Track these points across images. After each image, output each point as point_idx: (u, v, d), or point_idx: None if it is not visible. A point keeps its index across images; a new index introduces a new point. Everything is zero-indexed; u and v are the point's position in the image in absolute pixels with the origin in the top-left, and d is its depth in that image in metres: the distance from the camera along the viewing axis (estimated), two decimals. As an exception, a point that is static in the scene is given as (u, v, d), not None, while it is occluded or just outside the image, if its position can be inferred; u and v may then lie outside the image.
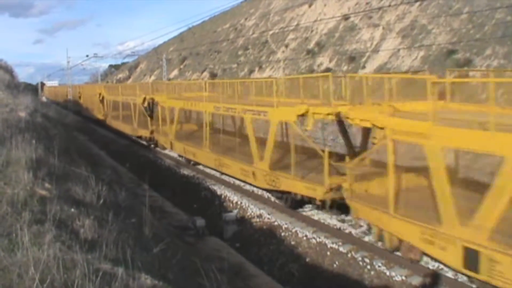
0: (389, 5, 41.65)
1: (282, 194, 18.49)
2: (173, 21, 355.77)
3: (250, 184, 21.03)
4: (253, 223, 18.32)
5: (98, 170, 17.64)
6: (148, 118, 34.84)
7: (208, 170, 26.06)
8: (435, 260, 12.66)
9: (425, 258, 13.29)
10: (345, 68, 40.35)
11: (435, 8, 36.21)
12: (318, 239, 15.54)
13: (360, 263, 13.75)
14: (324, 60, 44.36)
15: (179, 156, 29.87)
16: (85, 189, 9.00)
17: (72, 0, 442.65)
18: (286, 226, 16.98)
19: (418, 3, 37.92)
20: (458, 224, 10.76)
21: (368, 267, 13.48)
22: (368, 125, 14.07)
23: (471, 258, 10.32)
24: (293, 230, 16.57)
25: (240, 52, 64.25)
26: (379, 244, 14.12)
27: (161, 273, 6.27)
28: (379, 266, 13.29)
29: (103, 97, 48.56)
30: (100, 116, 50.04)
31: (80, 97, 65.41)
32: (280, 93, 19.72)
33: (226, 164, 22.18)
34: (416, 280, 12.44)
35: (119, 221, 8.01)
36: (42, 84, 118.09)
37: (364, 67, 38.28)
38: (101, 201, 8.85)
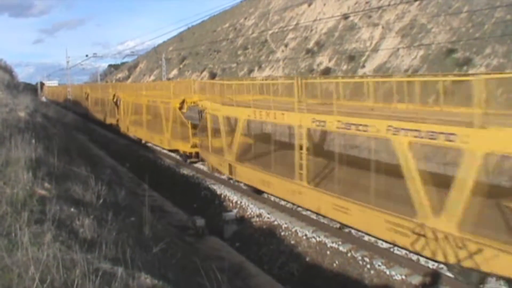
0: (389, 4, 41.64)
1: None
2: (173, 20, 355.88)
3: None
4: (252, 222, 18.32)
5: (98, 170, 17.63)
6: None
7: (206, 169, 26.06)
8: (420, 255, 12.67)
9: (423, 258, 13.30)
10: (344, 67, 40.35)
11: (434, 7, 36.20)
12: (318, 238, 15.54)
13: (360, 262, 13.76)
14: (323, 60, 44.34)
15: None
16: (84, 189, 9.00)
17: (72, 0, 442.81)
18: (285, 225, 16.98)
19: (417, 2, 37.92)
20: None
21: (368, 266, 13.49)
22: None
23: None
24: (293, 230, 16.57)
25: (239, 52, 64.24)
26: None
27: (161, 273, 6.27)
28: (379, 265, 13.29)
29: (200, 112, 26.23)
30: (187, 149, 28.76)
31: (116, 104, 44.55)
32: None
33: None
34: (416, 279, 12.45)
35: (119, 220, 8.02)
36: (42, 84, 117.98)
37: (363, 66, 38.27)
38: (101, 200, 8.86)
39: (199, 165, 27.30)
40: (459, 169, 11.28)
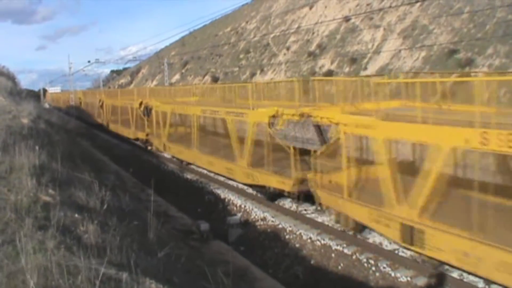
0: (390, 6, 41.62)
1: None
2: (175, 25, 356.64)
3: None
4: (257, 226, 18.31)
5: (102, 175, 17.65)
6: None
7: (211, 174, 26.08)
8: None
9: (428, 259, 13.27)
10: (347, 69, 40.33)
11: (436, 8, 36.17)
12: (322, 241, 15.52)
13: (365, 264, 13.73)
14: (325, 62, 44.34)
15: None
16: (88, 195, 9.00)
17: (75, 5, 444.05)
18: (290, 228, 16.97)
19: (418, 4, 37.88)
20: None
21: (373, 268, 13.46)
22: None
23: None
24: (298, 233, 16.55)
25: (241, 56, 64.27)
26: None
27: (166, 277, 6.26)
28: (384, 267, 13.26)
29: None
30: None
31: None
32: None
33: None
34: (421, 281, 12.41)
35: (123, 226, 8.02)
36: (45, 91, 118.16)
37: (365, 68, 38.25)
38: (105, 206, 8.84)
39: (201, 170, 27.28)
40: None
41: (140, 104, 37.50)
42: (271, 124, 19.02)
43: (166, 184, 25.52)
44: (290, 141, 18.24)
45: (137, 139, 40.12)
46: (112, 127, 48.54)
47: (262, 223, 18.35)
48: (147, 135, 36.81)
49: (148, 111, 36.08)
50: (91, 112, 60.02)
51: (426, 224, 11.98)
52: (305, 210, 18.88)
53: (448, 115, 12.70)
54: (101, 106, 52.92)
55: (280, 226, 17.44)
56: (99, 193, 9.23)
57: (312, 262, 15.01)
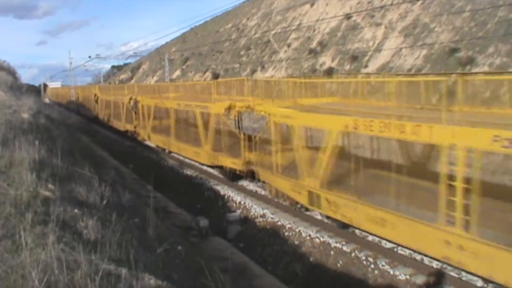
0: (391, 4, 41.57)
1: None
2: (176, 21, 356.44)
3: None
4: (256, 223, 18.30)
5: (101, 171, 17.63)
6: None
7: (211, 170, 26.03)
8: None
9: (427, 258, 13.26)
10: (347, 67, 40.30)
11: (437, 6, 36.13)
12: (321, 239, 15.52)
13: (364, 262, 13.73)
14: (326, 60, 44.31)
15: None
16: (88, 190, 8.99)
17: (77, 1, 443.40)
18: (289, 225, 16.96)
19: (420, 2, 37.85)
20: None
21: (372, 266, 13.46)
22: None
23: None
24: (297, 230, 16.55)
25: (242, 52, 64.21)
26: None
27: (165, 273, 6.27)
28: (382, 265, 13.26)
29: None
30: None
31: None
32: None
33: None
34: (420, 279, 12.41)
35: (123, 221, 8.01)
36: (45, 86, 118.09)
37: (366, 66, 38.21)
38: (105, 202, 8.84)
39: (205, 168, 27.24)
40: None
41: (228, 108, 22.57)
42: None
43: (165, 180, 25.52)
44: None
45: (218, 166, 24.60)
46: (156, 139, 34.53)
47: (261, 220, 18.35)
48: (247, 163, 21.56)
49: (257, 123, 23.52)
50: (114, 115, 46.06)
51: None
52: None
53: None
54: (134, 108, 39.05)
55: (279, 223, 17.44)
56: (99, 189, 9.23)
57: (311, 259, 15.02)
